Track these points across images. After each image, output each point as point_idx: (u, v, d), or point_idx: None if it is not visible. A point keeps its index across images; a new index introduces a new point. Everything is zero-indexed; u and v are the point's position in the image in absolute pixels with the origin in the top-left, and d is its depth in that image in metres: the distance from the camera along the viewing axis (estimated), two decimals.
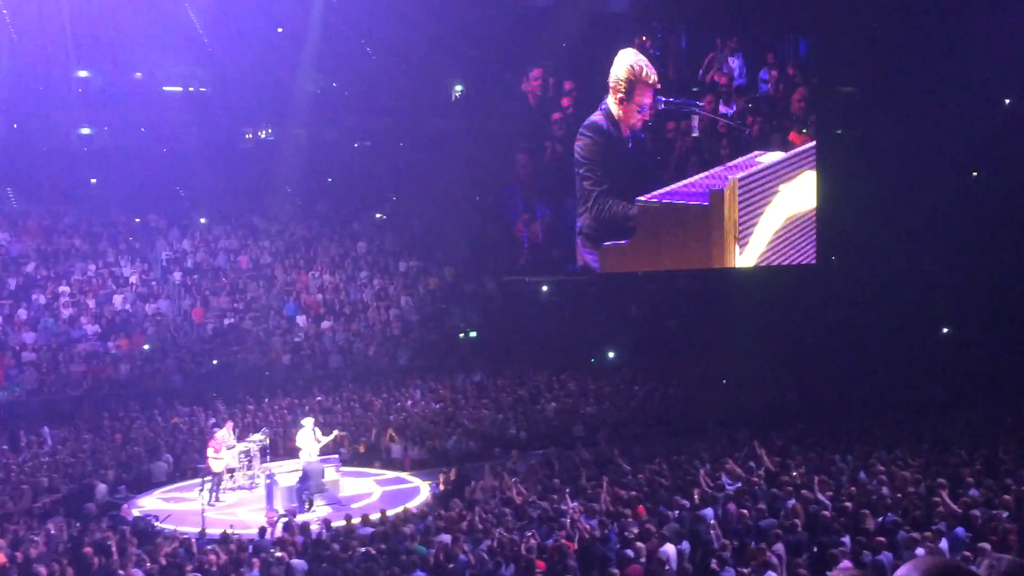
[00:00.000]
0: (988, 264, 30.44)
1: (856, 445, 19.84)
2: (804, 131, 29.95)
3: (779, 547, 12.64)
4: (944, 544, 12.33)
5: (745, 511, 14.12)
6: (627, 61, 26.77)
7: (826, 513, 13.52)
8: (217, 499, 19.33)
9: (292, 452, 20.69)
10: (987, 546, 11.63)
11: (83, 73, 30.85)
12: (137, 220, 30.10)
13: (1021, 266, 32.22)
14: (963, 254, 30.42)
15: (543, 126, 28.11)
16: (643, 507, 15.05)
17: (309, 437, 19.49)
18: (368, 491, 20.19)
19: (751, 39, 29.55)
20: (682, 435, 23.19)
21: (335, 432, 20.39)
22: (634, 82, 26.78)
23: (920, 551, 11.99)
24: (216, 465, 19.37)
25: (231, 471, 20.07)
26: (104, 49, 29.04)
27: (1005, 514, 13.22)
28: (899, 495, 14.70)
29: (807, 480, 15.81)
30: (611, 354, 30.02)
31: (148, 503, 19.33)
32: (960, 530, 12.73)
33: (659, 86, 27.16)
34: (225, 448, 20.05)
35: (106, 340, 25.68)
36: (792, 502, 14.26)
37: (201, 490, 18.67)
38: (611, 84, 26.90)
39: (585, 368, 28.55)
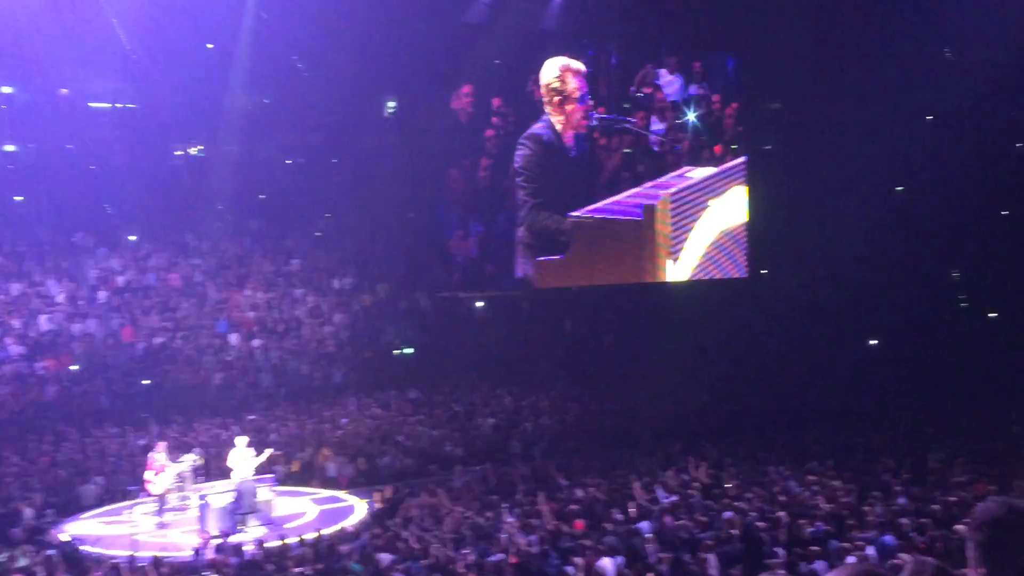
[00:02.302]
0: (912, 276, 31.14)
1: (788, 456, 20.16)
2: (734, 147, 30.41)
3: (711, 558, 12.78)
4: (872, 551, 12.57)
5: (681, 523, 14.27)
6: (554, 64, 27.04)
7: (761, 524, 13.71)
8: (162, 522, 18.96)
9: (225, 472, 20.43)
10: (908, 557, 11.89)
11: (7, 89, 30.22)
12: (64, 238, 29.51)
13: (943, 278, 33.10)
14: (888, 267, 31.10)
15: (475, 142, 28.19)
16: (580, 522, 15.12)
17: (242, 456, 19.28)
18: (303, 510, 20.01)
19: (685, 57, 29.94)
20: (618, 449, 23.34)
21: (268, 451, 20.18)
22: (565, 77, 26.97)
23: (851, 559, 12.21)
24: (155, 488, 19.04)
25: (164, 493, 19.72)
26: (28, 64, 28.47)
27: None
28: (831, 504, 14.96)
29: (741, 491, 16.03)
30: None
31: (85, 527, 18.92)
32: (888, 538, 12.99)
33: (586, 70, 27.33)
34: (159, 470, 19.75)
35: (32, 361, 25.12)
36: (728, 514, 14.43)
37: (130, 512, 18.35)
38: (544, 94, 27.07)
39: (521, 383, 28.58)
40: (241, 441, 19.70)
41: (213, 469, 21.06)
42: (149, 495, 19.01)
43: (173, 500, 19.73)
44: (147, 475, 19.11)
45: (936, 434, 22.70)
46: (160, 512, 19.09)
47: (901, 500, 14.90)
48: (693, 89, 29.81)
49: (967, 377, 27.20)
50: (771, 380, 28.65)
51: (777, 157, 32.67)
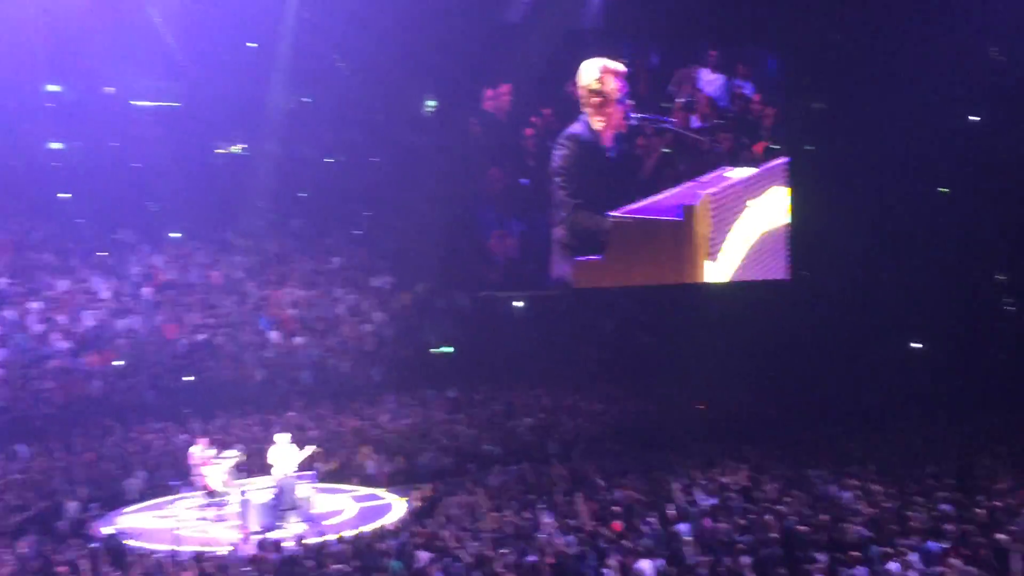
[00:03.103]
0: (958, 279, 30.78)
1: (829, 459, 20.00)
2: (775, 147, 30.19)
3: (745, 560, 12.72)
4: (915, 558, 12.47)
5: (721, 526, 14.21)
6: (594, 65, 26.94)
7: (802, 528, 13.62)
8: (220, 515, 19.15)
9: (266, 469, 20.59)
10: (958, 561, 11.78)
11: (53, 87, 30.61)
12: (109, 235, 29.87)
13: (990, 281, 32.67)
14: (933, 269, 30.74)
15: (515, 141, 28.22)
16: (618, 523, 15.10)
17: (284, 453, 19.44)
18: (343, 508, 20.13)
19: (726, 57, 29.79)
20: (656, 450, 23.27)
21: (310, 447, 20.31)
22: (604, 78, 26.90)
23: (893, 565, 12.12)
24: (213, 483, 19.23)
25: (204, 488, 19.90)
26: (75, 63, 28.83)
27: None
28: (873, 509, 14.84)
29: (782, 495, 15.93)
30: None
31: (128, 521, 19.14)
32: (933, 544, 12.86)
33: (626, 70, 27.24)
34: (197, 466, 19.96)
35: (77, 356, 25.46)
36: (768, 517, 14.36)
37: (172, 507, 18.56)
38: (583, 95, 27.01)
39: (559, 383, 28.57)
40: (282, 438, 19.84)
41: (253, 465, 21.24)
42: (207, 490, 19.19)
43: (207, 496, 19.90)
44: (204, 471, 19.29)
45: (980, 439, 22.42)
46: (214, 506, 19.28)
47: (944, 506, 14.73)
48: (735, 88, 29.64)
49: (1012, 381, 26.83)
50: (812, 382, 28.43)
51: (819, 157, 32.39)
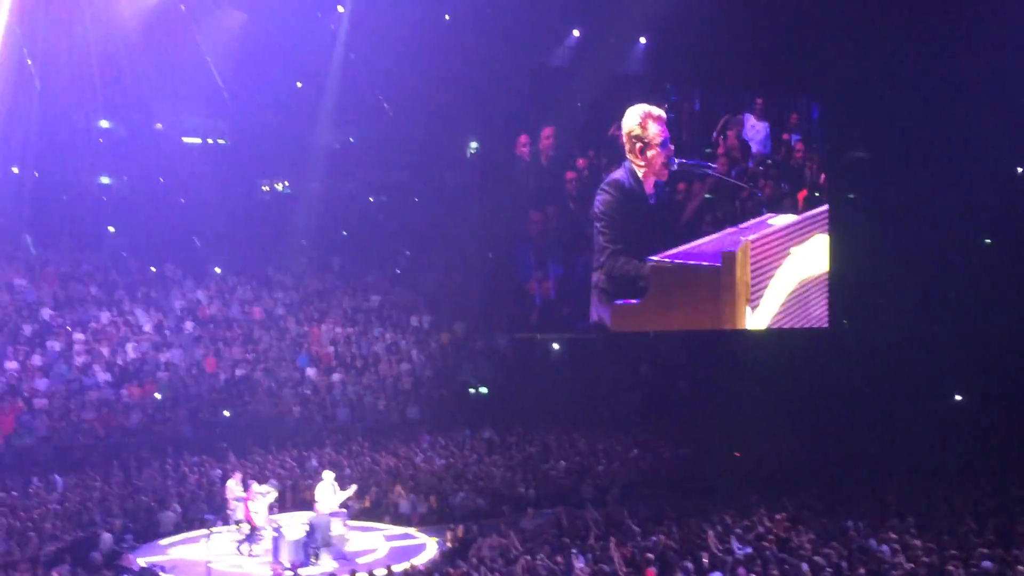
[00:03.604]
0: (1001, 331, 30.37)
1: (868, 512, 19.72)
2: (817, 195, 30.09)
3: None
4: None
5: None
6: (636, 111, 27.02)
7: None
8: (252, 553, 19.23)
9: (300, 504, 20.67)
10: None
11: (105, 123, 31.25)
12: (153, 269, 30.29)
13: None
14: (975, 320, 30.38)
15: (556, 184, 28.33)
16: (652, 570, 14.97)
17: (328, 490, 19.57)
18: (375, 546, 20.11)
19: (769, 103, 29.81)
20: (692, 497, 23.07)
21: (353, 486, 20.39)
22: (646, 123, 26.96)
23: None
24: (258, 519, 19.32)
25: (238, 522, 20.00)
26: (126, 100, 29.43)
27: None
28: (912, 564, 14.59)
29: (819, 546, 15.72)
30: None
31: (162, 553, 19.24)
32: None
33: (667, 115, 27.29)
34: (232, 500, 20.08)
35: (118, 388, 25.74)
36: (804, 567, 14.17)
37: (207, 540, 18.62)
38: (626, 141, 27.10)
39: (595, 427, 28.45)
40: (328, 475, 20.00)
41: (287, 501, 21.32)
42: (251, 525, 19.30)
43: (247, 530, 19.98)
44: (250, 505, 19.41)
45: (1022, 495, 22.00)
46: (248, 541, 19.38)
47: (986, 563, 14.46)
48: (781, 136, 29.63)
49: None
50: (851, 432, 28.10)
51: (861, 206, 32.24)
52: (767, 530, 17.21)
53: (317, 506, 19.51)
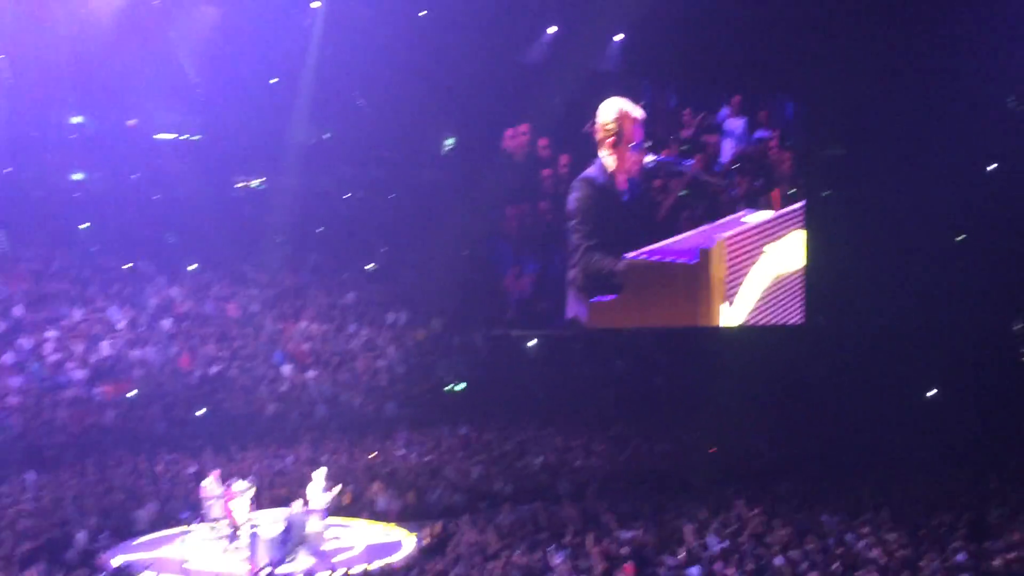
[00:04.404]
0: (974, 326, 30.66)
1: (843, 506, 19.85)
2: (793, 192, 30.27)
3: None
4: None
5: (731, 571, 14.09)
6: (613, 106, 27.06)
7: (814, 574, 13.51)
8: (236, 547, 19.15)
9: (276, 502, 20.57)
10: None
11: (77, 119, 30.98)
12: (127, 266, 30.06)
13: (1007, 329, 32.53)
14: (949, 316, 30.64)
15: (533, 181, 28.37)
16: (629, 565, 15.00)
17: (318, 489, 19.54)
18: (352, 544, 20.04)
19: (745, 101, 29.95)
20: (668, 493, 23.14)
21: (338, 487, 20.31)
22: (622, 121, 27.03)
23: None
24: (239, 516, 19.22)
25: (215, 520, 19.87)
26: (98, 95, 29.19)
27: None
28: (886, 557, 14.70)
29: (794, 540, 15.81)
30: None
31: (137, 552, 19.10)
32: None
33: (644, 117, 27.37)
34: (208, 498, 19.95)
35: (92, 386, 25.54)
36: (780, 560, 14.25)
37: (183, 539, 18.51)
38: (600, 135, 27.13)
39: (572, 423, 28.48)
40: (319, 474, 19.95)
41: (263, 499, 21.20)
42: (231, 524, 19.19)
43: (224, 529, 19.86)
44: (231, 504, 19.29)
45: (996, 488, 22.23)
46: (226, 539, 19.27)
47: (960, 557, 14.59)
48: (757, 133, 29.77)
49: None
50: (826, 428, 28.27)
51: (836, 203, 32.43)
52: (743, 525, 17.29)
53: (310, 505, 19.50)
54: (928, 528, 17.20)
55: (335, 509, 21.28)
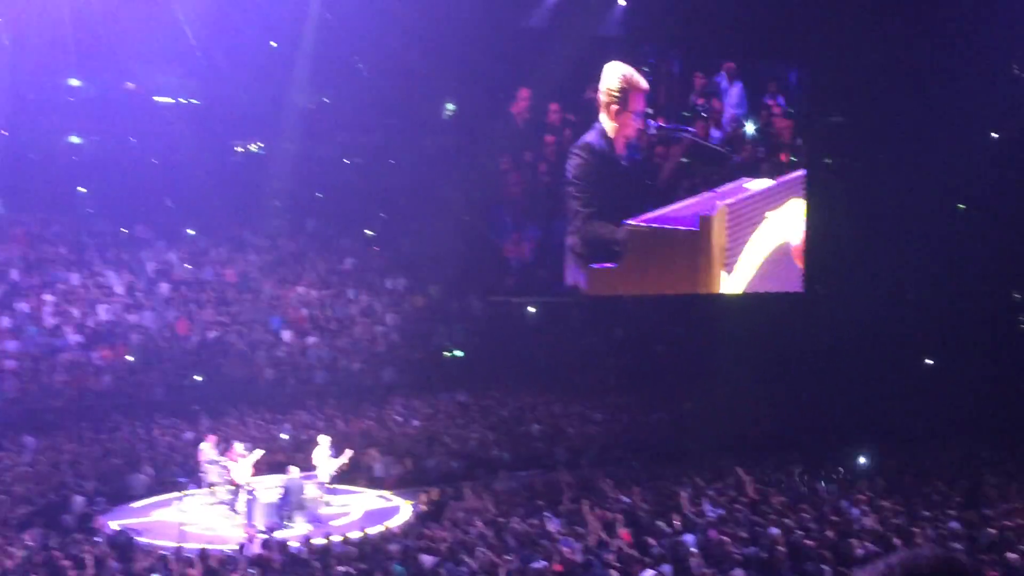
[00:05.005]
0: (973, 296, 30.60)
1: (838, 474, 19.88)
2: (794, 159, 30.07)
3: (738, 572, 12.61)
4: None
5: (726, 538, 14.08)
6: (618, 71, 26.82)
7: (809, 542, 13.49)
8: (234, 510, 19.23)
9: (273, 467, 20.61)
10: None
11: (74, 82, 30.76)
12: (124, 230, 29.97)
13: (1005, 298, 32.44)
14: (949, 285, 30.57)
15: (533, 146, 28.17)
16: (626, 532, 15.01)
17: (324, 456, 19.59)
18: (349, 509, 20.10)
19: (748, 68, 29.69)
20: (665, 460, 23.17)
21: (348, 452, 20.35)
22: (627, 90, 26.82)
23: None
24: (239, 477, 19.30)
25: (211, 485, 19.95)
26: (97, 58, 28.95)
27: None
28: (881, 526, 14.70)
29: (789, 508, 15.81)
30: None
31: (133, 516, 19.15)
32: None
33: (649, 90, 27.19)
34: (206, 463, 20.02)
35: (89, 350, 25.53)
36: (774, 530, 14.23)
37: (179, 503, 18.55)
38: (603, 98, 26.91)
39: (570, 390, 28.50)
40: (324, 440, 20.01)
41: (260, 464, 21.23)
42: (232, 484, 19.30)
43: (222, 494, 19.93)
44: (231, 465, 19.39)
45: (991, 457, 22.26)
46: (223, 504, 19.38)
47: (953, 524, 14.60)
48: (758, 100, 29.54)
49: None
50: (824, 396, 28.29)
51: (837, 171, 32.26)
52: (739, 492, 17.30)
53: (317, 471, 19.58)
54: (922, 496, 17.22)
55: (333, 475, 21.35)
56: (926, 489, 17.87)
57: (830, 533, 13.99)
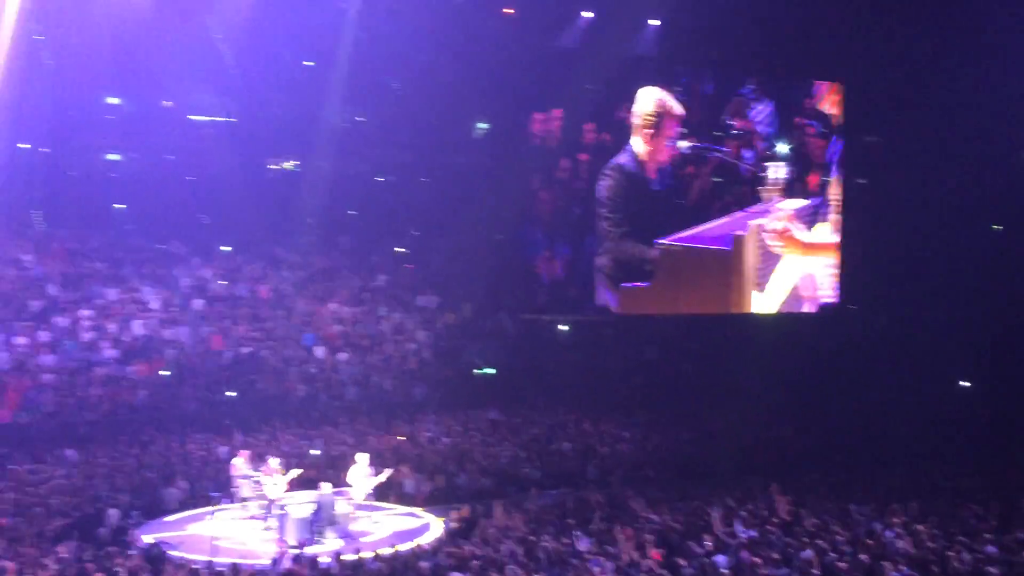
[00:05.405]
0: (1007, 316, 30.29)
1: (872, 496, 19.71)
2: (828, 178, 29.99)
3: None
4: None
5: (759, 560, 14.02)
6: (653, 96, 26.94)
7: (842, 564, 13.42)
8: (266, 526, 19.39)
9: (304, 483, 20.69)
10: None
11: (113, 100, 31.15)
12: (163, 247, 30.29)
13: None
14: (983, 306, 30.28)
15: (566, 165, 28.26)
16: (657, 551, 14.98)
17: (362, 474, 19.68)
18: (380, 526, 20.14)
19: (783, 87, 29.69)
20: (696, 480, 23.08)
21: (387, 471, 20.46)
22: (663, 115, 26.94)
23: None
24: (272, 492, 19.44)
25: (244, 500, 20.07)
26: (135, 76, 29.31)
27: None
28: (916, 549, 14.59)
29: (822, 529, 15.72)
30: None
31: (167, 530, 19.30)
32: None
33: (685, 116, 27.27)
34: (238, 478, 20.15)
35: (125, 365, 25.78)
36: (808, 552, 14.16)
37: (212, 517, 18.67)
38: (637, 121, 26.98)
39: (601, 408, 28.46)
40: (362, 458, 20.10)
41: (293, 480, 21.33)
42: (266, 500, 19.43)
43: (254, 508, 20.04)
44: (264, 479, 19.54)
45: None
46: (255, 519, 19.52)
47: (990, 548, 14.45)
48: (791, 120, 29.51)
49: None
50: (857, 416, 28.08)
51: (871, 191, 32.11)
52: (771, 513, 17.21)
53: (352, 490, 19.73)
54: (957, 519, 17.05)
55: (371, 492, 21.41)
56: (962, 512, 17.69)
57: (864, 557, 13.90)
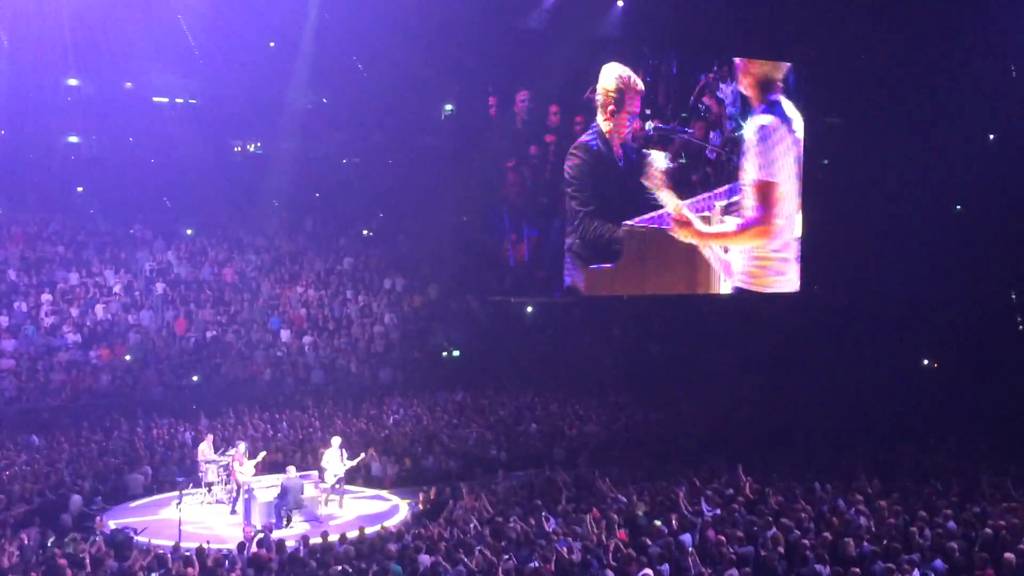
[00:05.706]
0: (970, 297, 30.61)
1: (835, 473, 19.89)
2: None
3: (733, 572, 12.65)
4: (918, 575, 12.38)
5: (723, 538, 14.11)
6: (614, 72, 26.88)
7: (805, 542, 13.53)
8: (233, 511, 19.30)
9: (271, 467, 20.62)
10: None
11: (73, 81, 30.78)
12: (125, 230, 29.99)
13: (1002, 300, 32.48)
14: (945, 286, 30.58)
15: (532, 147, 28.17)
16: (623, 532, 15.04)
17: (335, 457, 19.62)
18: (347, 508, 20.10)
19: (744, 68, 29.66)
20: (663, 459, 23.20)
21: (362, 454, 20.45)
22: (624, 91, 26.87)
23: None
24: (242, 476, 19.34)
25: (209, 485, 19.97)
26: (95, 57, 28.97)
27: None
28: (877, 525, 14.73)
29: (786, 507, 15.84)
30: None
31: (131, 515, 19.16)
32: (938, 562, 12.77)
33: (645, 80, 27.22)
34: (204, 462, 20.04)
35: (87, 349, 25.55)
36: (772, 531, 14.26)
37: (178, 502, 18.55)
38: (599, 99, 26.94)
39: (567, 390, 28.53)
40: (335, 441, 20.07)
41: (261, 464, 21.26)
42: (236, 484, 19.34)
43: (219, 493, 19.95)
44: (234, 466, 19.44)
45: (988, 456, 22.27)
46: (220, 503, 19.44)
47: (951, 524, 14.62)
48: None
49: (1022, 401, 26.65)
50: (820, 396, 28.30)
51: (833, 171, 32.30)
52: (736, 492, 17.32)
53: (326, 473, 19.74)
54: (919, 496, 17.25)
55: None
56: (923, 488, 17.88)
57: (827, 534, 14.02)
